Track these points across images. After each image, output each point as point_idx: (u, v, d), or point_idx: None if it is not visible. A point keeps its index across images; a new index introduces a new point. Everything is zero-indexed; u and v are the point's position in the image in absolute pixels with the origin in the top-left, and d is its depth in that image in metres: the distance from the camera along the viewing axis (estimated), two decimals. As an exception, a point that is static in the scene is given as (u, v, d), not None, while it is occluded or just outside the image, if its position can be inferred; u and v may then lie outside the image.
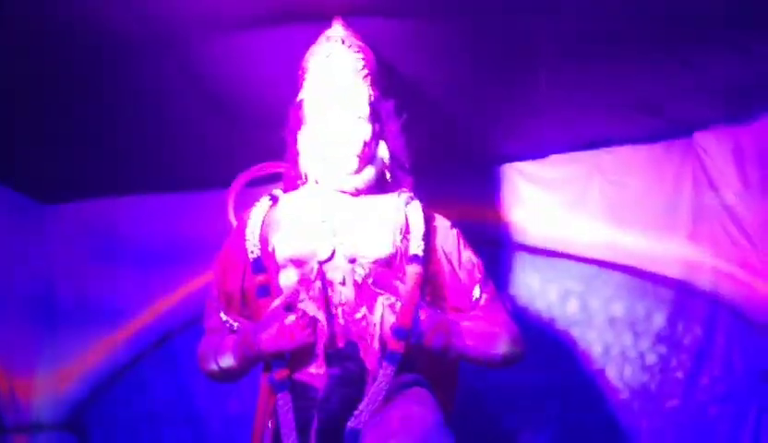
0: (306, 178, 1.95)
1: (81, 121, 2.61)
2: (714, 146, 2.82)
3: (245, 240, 1.86)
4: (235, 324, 1.86)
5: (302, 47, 1.98)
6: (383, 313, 1.70)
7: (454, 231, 1.95)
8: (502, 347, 1.80)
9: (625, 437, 2.80)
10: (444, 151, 2.80)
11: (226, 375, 1.85)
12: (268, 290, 1.80)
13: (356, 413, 1.62)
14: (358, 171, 1.87)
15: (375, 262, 1.79)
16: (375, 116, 1.91)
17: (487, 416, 2.91)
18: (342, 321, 1.75)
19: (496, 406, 2.92)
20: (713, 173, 2.81)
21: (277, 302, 1.75)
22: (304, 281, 1.78)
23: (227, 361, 1.81)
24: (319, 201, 1.89)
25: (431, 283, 1.81)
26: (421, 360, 1.75)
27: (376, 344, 1.71)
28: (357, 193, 1.89)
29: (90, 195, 3.28)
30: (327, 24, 2.02)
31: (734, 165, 2.78)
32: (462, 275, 1.87)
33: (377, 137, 1.91)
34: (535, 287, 2.98)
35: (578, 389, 2.88)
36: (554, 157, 3.00)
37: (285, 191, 2.00)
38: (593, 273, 2.93)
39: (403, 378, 1.70)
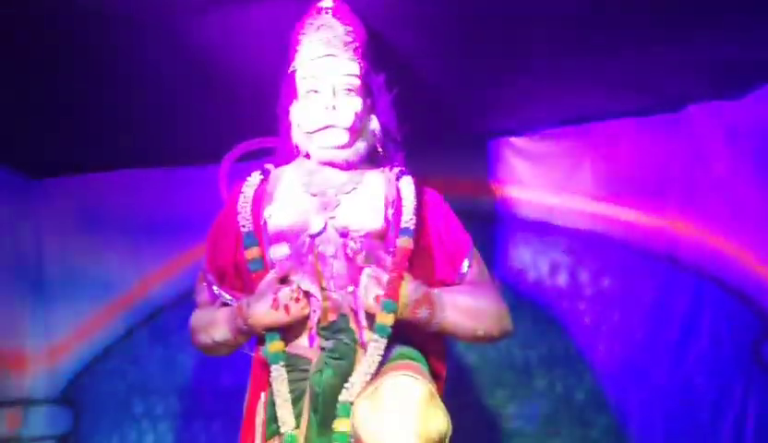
0: (297, 152, 1.95)
1: (69, 95, 2.59)
2: (704, 121, 2.83)
3: (237, 214, 1.86)
4: (228, 297, 1.87)
5: (293, 19, 1.96)
6: (367, 284, 1.71)
7: (444, 205, 1.96)
8: (487, 323, 1.81)
9: (612, 410, 2.83)
10: (435, 126, 2.78)
11: (219, 347, 1.87)
12: (260, 263, 1.81)
13: (348, 385, 1.64)
14: (349, 144, 1.87)
15: (366, 236, 1.80)
16: (366, 90, 1.91)
17: (476, 390, 2.94)
18: (334, 294, 1.76)
19: (484, 380, 2.94)
20: (703, 149, 2.82)
21: (270, 275, 1.76)
22: (296, 255, 1.79)
23: (220, 334, 1.82)
24: (311, 175, 1.89)
25: (420, 257, 1.82)
26: (412, 332, 1.76)
27: (362, 316, 1.71)
28: (348, 167, 1.89)
29: (79, 169, 3.26)
30: (318, -4, 2.00)
31: (724, 140, 2.79)
32: (451, 250, 1.88)
33: (368, 110, 1.91)
34: (525, 261, 2.99)
35: (566, 363, 2.91)
36: (545, 132, 3.01)
37: (277, 165, 1.99)
38: (582, 247, 2.95)
39: (396, 350, 1.72)
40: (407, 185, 1.88)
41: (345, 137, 1.86)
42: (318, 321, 1.75)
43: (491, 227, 2.99)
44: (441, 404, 1.57)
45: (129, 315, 3.21)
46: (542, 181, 3.00)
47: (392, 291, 1.69)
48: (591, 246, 2.95)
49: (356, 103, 1.87)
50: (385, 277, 1.71)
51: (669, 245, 2.85)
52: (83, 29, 2.23)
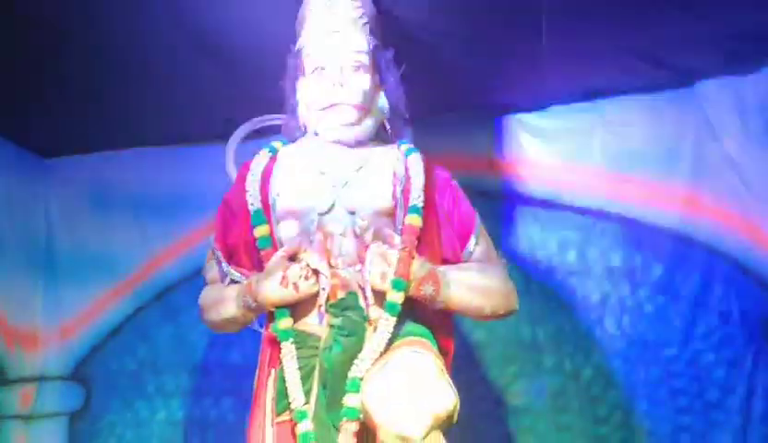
0: (305, 130, 1.94)
1: (78, 74, 2.59)
2: (715, 96, 2.79)
3: (245, 192, 1.86)
4: (237, 275, 1.87)
5: (300, -5, 1.95)
6: (373, 260, 1.71)
7: (453, 183, 1.95)
8: (493, 300, 1.81)
9: (620, 387, 2.83)
10: (444, 102, 2.78)
11: (228, 325, 1.88)
12: (269, 241, 1.81)
13: (357, 361, 1.65)
14: (357, 122, 1.87)
15: (374, 213, 1.80)
16: (374, 66, 1.90)
17: (484, 367, 2.95)
18: (342, 272, 1.76)
19: (492, 356, 2.95)
20: (714, 123, 2.79)
21: (280, 253, 1.76)
22: (304, 233, 1.79)
23: (229, 311, 1.83)
24: (319, 153, 1.89)
25: (427, 234, 1.82)
26: (420, 309, 1.76)
27: (368, 292, 1.72)
28: (357, 144, 1.89)
29: (89, 149, 3.27)
30: (325, -30, 1.98)
31: (736, 115, 2.76)
32: (458, 227, 1.88)
33: (376, 87, 1.90)
34: (535, 238, 2.98)
35: (574, 340, 2.90)
36: (555, 108, 2.98)
37: (285, 143, 1.99)
38: (591, 223, 2.93)
39: (404, 328, 1.72)
40: (415, 163, 1.87)
41: (353, 115, 1.85)
42: (327, 299, 1.75)
43: (500, 204, 2.98)
44: (449, 380, 1.58)
45: (139, 293, 3.23)
46: (551, 157, 2.98)
47: (402, 269, 1.69)
48: (600, 223, 2.94)
49: (364, 80, 1.86)
50: (391, 253, 1.71)
51: (680, 221, 2.83)
52: (92, 8, 2.22)
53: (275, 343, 1.77)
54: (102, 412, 3.20)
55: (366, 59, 1.87)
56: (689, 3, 2.30)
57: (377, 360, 1.64)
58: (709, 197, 2.80)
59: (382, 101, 1.92)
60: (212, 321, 1.90)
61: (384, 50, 1.94)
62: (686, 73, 2.78)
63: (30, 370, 3.20)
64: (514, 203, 2.99)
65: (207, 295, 1.94)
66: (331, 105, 1.84)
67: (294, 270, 1.73)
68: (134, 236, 3.23)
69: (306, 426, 1.67)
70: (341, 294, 1.75)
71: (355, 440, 1.62)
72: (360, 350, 1.67)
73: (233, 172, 2.13)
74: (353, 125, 1.86)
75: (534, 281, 2.92)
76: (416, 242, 1.76)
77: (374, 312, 1.73)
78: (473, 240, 1.88)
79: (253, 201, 1.84)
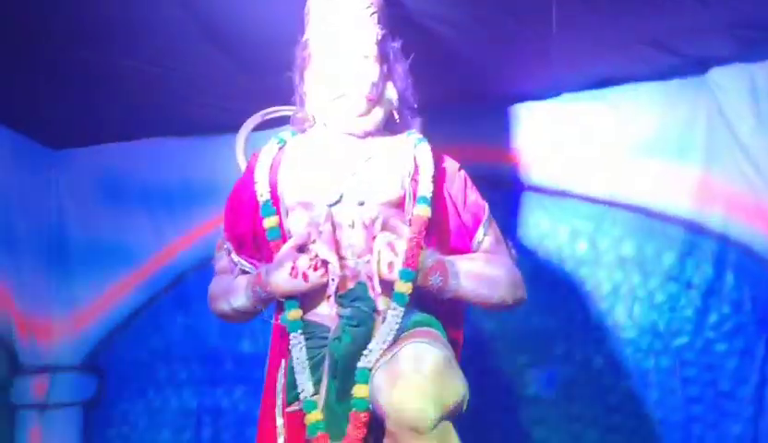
0: (313, 120, 1.94)
1: (89, 65, 2.60)
2: (728, 83, 2.76)
3: (254, 183, 1.86)
4: (247, 265, 1.88)
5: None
6: (381, 250, 1.71)
7: (461, 173, 1.95)
8: (500, 291, 1.81)
9: (632, 376, 2.83)
10: (452, 92, 2.76)
11: (238, 315, 1.89)
12: (278, 232, 1.82)
13: (367, 352, 1.66)
14: (366, 112, 1.86)
15: (383, 204, 1.80)
16: (383, 56, 1.89)
17: (495, 356, 2.95)
18: (351, 263, 1.77)
19: (503, 346, 2.95)
20: (727, 111, 2.76)
21: (289, 243, 1.77)
22: (313, 224, 1.80)
23: (239, 301, 1.84)
24: (328, 144, 1.89)
25: (436, 225, 1.82)
26: (429, 299, 1.77)
27: (376, 282, 1.72)
28: (365, 135, 1.89)
29: (100, 139, 3.29)
30: (333, -40, 1.97)
31: (748, 102, 2.73)
32: (467, 217, 1.88)
33: (384, 77, 1.89)
34: (545, 228, 2.97)
35: (586, 329, 2.90)
36: (565, 96, 2.96)
37: (294, 134, 1.99)
38: (602, 213, 2.92)
39: (413, 318, 1.73)
40: (424, 153, 1.87)
41: (362, 106, 1.85)
42: (336, 289, 1.76)
43: (510, 194, 2.97)
44: (459, 371, 1.58)
45: (151, 282, 3.25)
46: (561, 146, 2.96)
47: (411, 259, 1.69)
48: (611, 212, 2.92)
49: (373, 71, 1.85)
50: (399, 244, 1.71)
51: (691, 209, 2.81)
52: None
53: (285, 334, 1.78)
54: (115, 401, 3.24)
55: (374, 49, 1.86)
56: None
57: (386, 350, 1.64)
58: (721, 185, 2.78)
59: (391, 91, 1.91)
60: (222, 311, 1.91)
61: (392, 40, 1.94)
62: (698, 60, 2.75)
63: (44, 360, 3.24)
64: (524, 193, 2.98)
65: (217, 285, 1.95)
66: (340, 96, 1.84)
67: (304, 261, 1.73)
68: (146, 227, 3.25)
69: (315, 416, 1.68)
70: (350, 285, 1.76)
71: (365, 430, 1.63)
72: (369, 340, 1.68)
73: (242, 162, 2.13)
74: (361, 115, 1.86)
75: (544, 270, 2.91)
76: (425, 232, 1.75)
77: (382, 302, 1.74)
78: (481, 230, 1.88)
79: (262, 192, 1.85)
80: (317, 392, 1.70)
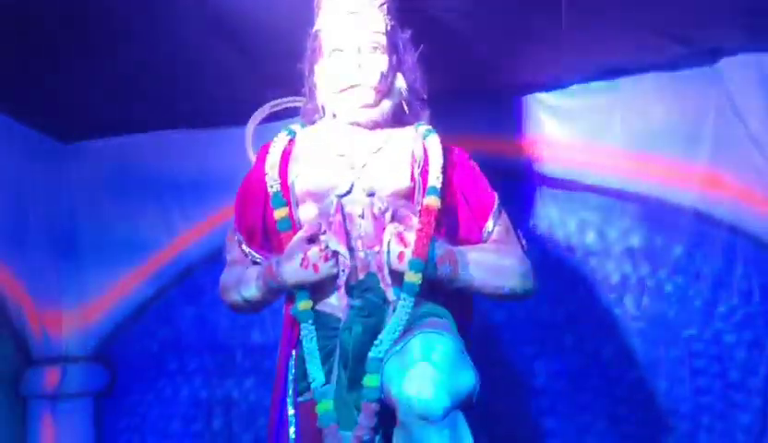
0: (323, 112, 1.94)
1: (99, 59, 2.61)
2: (738, 74, 2.75)
3: (264, 174, 1.87)
4: (258, 256, 1.89)
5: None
6: (390, 241, 1.71)
7: (471, 163, 1.95)
8: (511, 281, 1.80)
9: (641, 366, 2.83)
10: (462, 83, 2.76)
11: (249, 305, 1.90)
12: (288, 223, 1.82)
13: (377, 342, 1.66)
14: (376, 104, 1.86)
15: (393, 195, 1.80)
16: (392, 47, 1.89)
17: (504, 347, 2.96)
18: (362, 254, 1.77)
19: (512, 337, 2.96)
20: (737, 101, 2.75)
21: (299, 234, 1.78)
22: (323, 215, 1.80)
23: (250, 291, 1.85)
24: (337, 135, 1.89)
25: (446, 215, 1.82)
26: (439, 290, 1.77)
27: (386, 273, 1.73)
28: (375, 126, 1.89)
29: (110, 132, 3.30)
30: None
31: (759, 92, 2.72)
32: (477, 208, 1.88)
33: (394, 68, 1.89)
34: (554, 219, 2.97)
35: (595, 319, 2.90)
36: (574, 87, 2.95)
37: (303, 125, 1.99)
38: (611, 204, 2.92)
39: (423, 308, 1.73)
40: (433, 144, 1.87)
41: (371, 97, 1.84)
42: (347, 280, 1.76)
43: (519, 185, 2.97)
44: (469, 361, 1.58)
45: (161, 274, 3.27)
46: (571, 137, 2.96)
47: (420, 250, 1.69)
48: (620, 203, 2.92)
49: (382, 61, 1.85)
50: (409, 234, 1.72)
51: (700, 200, 2.81)
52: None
53: (295, 324, 1.79)
54: (126, 392, 3.26)
55: (383, 40, 1.86)
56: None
57: (396, 340, 1.65)
58: (731, 176, 2.78)
59: (400, 82, 1.91)
60: (233, 302, 1.92)
61: (402, 31, 1.93)
62: (708, 50, 2.74)
63: (56, 351, 3.26)
64: (533, 183, 2.98)
65: (228, 276, 1.96)
66: (349, 87, 1.84)
67: (314, 252, 1.74)
68: (156, 219, 3.27)
69: (326, 406, 1.69)
70: (360, 276, 1.76)
71: (376, 420, 1.63)
72: (380, 330, 1.68)
73: (252, 154, 2.14)
74: (371, 106, 1.86)
75: (553, 261, 2.91)
76: (434, 223, 1.75)
77: (393, 293, 1.74)
78: (491, 220, 1.88)
79: (272, 183, 1.85)
80: (328, 382, 1.71)
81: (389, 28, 1.88)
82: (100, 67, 2.66)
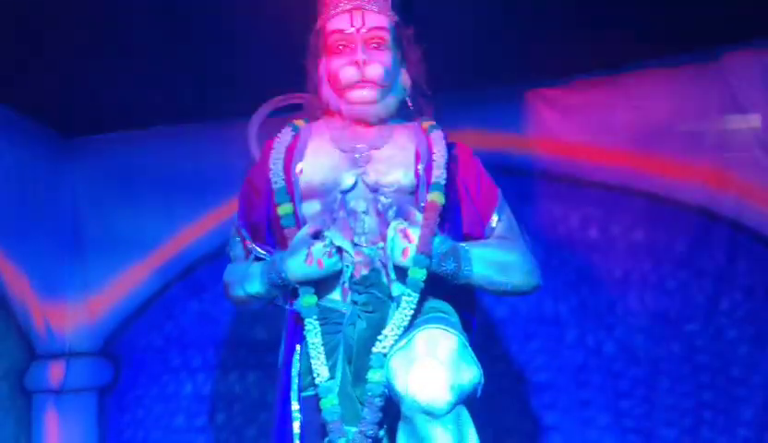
0: (327, 108, 1.95)
1: (104, 52, 2.61)
2: (741, 69, 2.75)
3: (268, 170, 1.87)
4: (261, 252, 1.89)
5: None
6: (394, 237, 1.72)
7: (475, 159, 1.95)
8: (515, 277, 1.81)
9: (643, 363, 2.83)
10: (465, 79, 2.76)
11: (252, 301, 1.90)
12: (292, 219, 1.83)
13: (381, 337, 1.67)
14: (379, 100, 1.86)
15: (397, 191, 1.80)
16: (395, 43, 1.89)
17: (507, 342, 2.96)
18: (365, 249, 1.78)
19: (515, 332, 2.96)
20: (740, 97, 2.75)
21: (304, 230, 1.78)
22: (327, 211, 1.81)
23: (254, 287, 1.85)
24: (341, 131, 1.89)
25: (450, 211, 1.82)
26: (443, 285, 1.78)
27: (390, 269, 1.73)
28: (379, 122, 1.89)
29: (113, 128, 3.30)
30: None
31: (762, 89, 2.72)
32: (481, 204, 1.88)
33: (398, 64, 1.89)
34: (556, 214, 2.97)
35: (597, 315, 2.91)
36: (577, 82, 2.95)
37: (307, 121, 1.99)
38: (614, 199, 2.92)
39: (427, 304, 1.74)
40: (437, 140, 1.87)
41: (375, 93, 1.85)
42: (351, 276, 1.77)
43: (522, 180, 2.96)
44: (473, 356, 1.59)
45: (165, 270, 3.28)
46: (574, 132, 2.96)
47: (424, 246, 1.70)
48: (623, 199, 2.92)
49: (386, 58, 1.85)
50: (412, 230, 1.72)
51: (703, 196, 2.81)
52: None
53: (299, 319, 1.79)
54: (130, 386, 3.27)
55: (387, 36, 1.86)
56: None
57: (400, 336, 1.65)
58: (734, 172, 2.78)
59: (404, 78, 1.91)
60: (237, 297, 1.92)
61: (405, 26, 1.93)
62: (711, 45, 2.73)
63: (60, 346, 3.27)
64: (536, 179, 2.98)
65: (231, 272, 1.96)
66: (353, 83, 1.84)
67: (318, 248, 1.74)
68: (160, 214, 3.27)
69: (331, 401, 1.69)
70: (364, 271, 1.77)
71: (380, 415, 1.64)
72: (384, 326, 1.68)
73: (256, 150, 2.14)
74: (375, 102, 1.86)
75: (556, 256, 2.92)
76: (438, 219, 1.76)
77: (397, 289, 1.74)
78: (495, 216, 1.88)
79: (276, 179, 1.85)
80: (332, 377, 1.72)
81: (392, 24, 1.88)
82: (103, 62, 2.66)
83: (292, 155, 1.89)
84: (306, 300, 1.77)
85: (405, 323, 1.67)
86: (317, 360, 1.72)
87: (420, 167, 1.84)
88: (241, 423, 3.15)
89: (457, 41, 2.51)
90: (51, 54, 2.61)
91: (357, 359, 1.68)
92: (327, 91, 1.92)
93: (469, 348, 1.59)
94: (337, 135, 1.89)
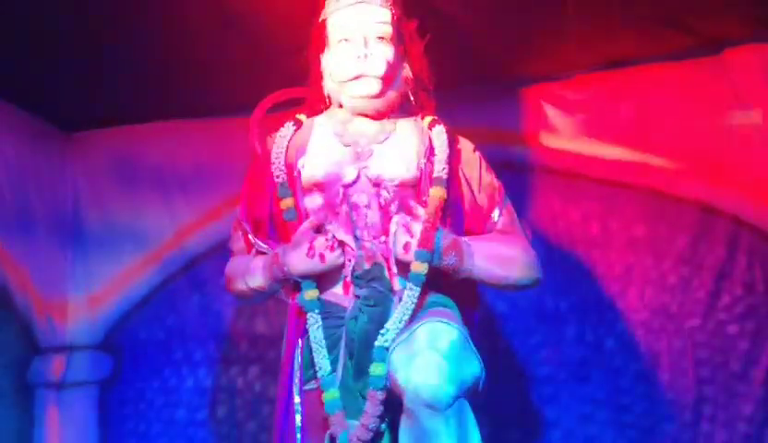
0: (329, 102, 1.95)
1: (104, 48, 2.61)
2: (743, 64, 2.75)
3: (270, 164, 1.87)
4: (264, 246, 1.90)
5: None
6: (396, 232, 1.72)
7: (476, 154, 1.95)
8: (516, 271, 1.81)
9: (643, 358, 2.84)
10: (467, 73, 2.76)
11: (254, 295, 1.90)
12: (294, 213, 1.83)
13: (383, 331, 1.67)
14: (382, 94, 1.86)
15: (399, 185, 1.80)
16: (398, 37, 1.88)
17: (507, 337, 2.97)
18: (368, 244, 1.78)
19: (515, 327, 2.97)
20: (742, 93, 2.75)
21: (306, 224, 1.78)
22: (329, 205, 1.81)
23: (256, 281, 1.85)
24: (343, 125, 1.89)
25: (452, 206, 1.82)
26: (444, 280, 1.78)
27: (392, 263, 1.73)
28: (381, 116, 1.89)
29: (114, 122, 3.30)
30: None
31: (763, 84, 2.72)
32: (482, 198, 1.88)
33: (400, 58, 1.89)
34: (557, 209, 2.98)
35: (597, 311, 2.91)
36: (579, 77, 2.95)
37: (309, 115, 1.99)
38: (614, 194, 2.92)
39: (429, 298, 1.74)
40: (439, 134, 1.87)
41: (377, 87, 1.84)
42: (353, 270, 1.77)
43: (523, 175, 2.97)
44: (475, 350, 1.59)
45: (166, 264, 3.28)
46: (575, 128, 2.96)
47: (426, 240, 1.70)
48: (623, 194, 2.92)
49: (388, 52, 1.85)
50: (415, 225, 1.72)
51: (705, 191, 2.81)
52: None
53: (301, 313, 1.80)
54: (131, 380, 3.28)
55: (389, 30, 1.85)
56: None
57: (402, 329, 1.66)
58: (735, 167, 2.78)
59: (406, 72, 1.91)
60: (239, 291, 1.92)
61: (408, 21, 1.93)
62: (713, 41, 2.73)
63: (61, 340, 3.28)
64: (537, 174, 2.98)
65: (233, 266, 1.96)
66: (355, 77, 1.84)
67: (320, 242, 1.75)
68: (161, 208, 3.28)
69: (332, 395, 1.70)
70: (366, 266, 1.77)
71: (382, 408, 1.64)
72: (386, 320, 1.69)
73: (257, 144, 2.14)
74: (377, 96, 1.85)
75: (556, 251, 2.92)
76: (440, 213, 1.76)
77: (399, 283, 1.75)
78: (497, 211, 1.88)
79: (278, 173, 1.85)
80: (334, 371, 1.72)
81: (395, 18, 1.87)
82: (104, 57, 2.66)
83: (293, 149, 1.89)
84: (308, 294, 1.77)
85: (407, 317, 1.67)
86: (318, 354, 1.73)
87: (422, 161, 1.83)
88: (242, 417, 3.16)
89: (460, 36, 2.51)
90: (51, 50, 2.60)
91: (359, 353, 1.69)
92: (329, 85, 1.92)
93: (470, 342, 1.60)
94: (339, 129, 1.89)
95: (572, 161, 2.96)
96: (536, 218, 2.95)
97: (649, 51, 2.82)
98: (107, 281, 3.32)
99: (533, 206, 2.97)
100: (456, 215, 1.85)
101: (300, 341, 1.80)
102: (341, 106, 1.91)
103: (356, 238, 1.78)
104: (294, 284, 1.83)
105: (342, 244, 1.77)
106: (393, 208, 1.78)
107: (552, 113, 2.98)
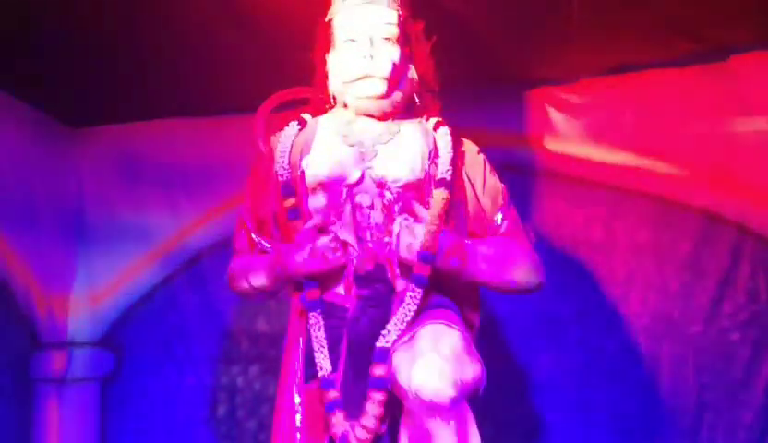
0: (334, 102, 1.95)
1: (110, 44, 2.61)
2: (750, 71, 2.75)
3: (274, 163, 1.88)
4: (267, 245, 1.90)
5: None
6: (400, 233, 1.72)
7: (481, 156, 1.94)
8: (518, 274, 1.81)
9: (644, 363, 2.84)
10: (472, 76, 2.76)
11: (257, 294, 1.90)
12: (298, 213, 1.83)
13: (384, 332, 1.67)
14: (387, 95, 1.85)
15: (403, 186, 1.80)
16: (404, 38, 1.88)
17: (509, 341, 2.97)
18: (371, 244, 1.78)
19: (517, 331, 2.96)
20: (748, 99, 2.75)
21: (309, 224, 1.78)
22: (333, 205, 1.81)
23: (259, 280, 1.85)
24: (348, 125, 1.89)
25: (455, 208, 1.82)
26: (447, 282, 1.78)
27: (395, 264, 1.73)
28: (386, 117, 1.88)
29: (119, 119, 3.31)
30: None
31: (769, 90, 2.72)
32: (486, 201, 1.88)
33: (406, 59, 1.89)
34: (561, 213, 2.97)
35: (599, 315, 2.91)
36: (584, 81, 2.95)
37: (313, 115, 1.99)
38: (618, 199, 2.92)
39: (431, 300, 1.74)
40: (444, 136, 1.87)
41: (383, 87, 1.84)
42: (355, 270, 1.77)
43: (527, 179, 2.97)
44: (476, 353, 1.59)
45: (168, 261, 3.29)
46: (579, 132, 2.96)
47: (429, 242, 1.70)
48: (627, 199, 2.92)
49: (394, 52, 1.85)
50: (418, 226, 1.72)
51: (709, 198, 2.81)
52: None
53: (303, 313, 1.80)
54: (132, 377, 3.28)
55: (396, 31, 1.85)
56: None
57: (404, 331, 1.65)
58: (740, 174, 2.77)
59: (412, 73, 1.91)
60: (242, 290, 1.93)
61: (414, 22, 1.93)
62: (719, 47, 2.73)
63: (63, 336, 3.29)
64: (541, 177, 2.98)
65: (237, 265, 1.96)
66: (361, 77, 1.84)
67: (323, 242, 1.75)
68: (163, 206, 3.28)
69: (333, 395, 1.70)
70: (369, 266, 1.77)
71: (383, 409, 1.64)
72: (387, 321, 1.69)
73: (262, 143, 2.14)
74: (382, 97, 1.85)
75: (559, 255, 2.92)
76: (444, 215, 1.76)
77: (401, 284, 1.75)
78: (500, 214, 1.88)
79: (282, 173, 1.86)
80: (335, 371, 1.72)
81: (401, 19, 1.87)
82: (111, 53, 2.67)
83: (298, 149, 1.89)
84: (310, 294, 1.77)
85: (409, 318, 1.68)
86: (320, 353, 1.73)
87: (426, 163, 1.83)
88: (243, 415, 3.16)
89: (466, 38, 2.51)
90: (56, 45, 2.61)
91: (360, 353, 1.69)
92: (334, 85, 1.92)
93: (472, 345, 1.60)
94: (343, 129, 1.89)
95: (576, 166, 2.96)
96: (540, 221, 2.95)
97: (655, 57, 2.81)
98: (109, 277, 3.32)
99: (536, 209, 2.97)
100: (459, 217, 1.85)
101: (301, 340, 1.80)
102: (345, 106, 1.91)
103: (359, 239, 1.78)
104: (297, 284, 1.83)
105: (344, 244, 1.77)
106: (397, 209, 1.78)
107: (557, 116, 2.98)
